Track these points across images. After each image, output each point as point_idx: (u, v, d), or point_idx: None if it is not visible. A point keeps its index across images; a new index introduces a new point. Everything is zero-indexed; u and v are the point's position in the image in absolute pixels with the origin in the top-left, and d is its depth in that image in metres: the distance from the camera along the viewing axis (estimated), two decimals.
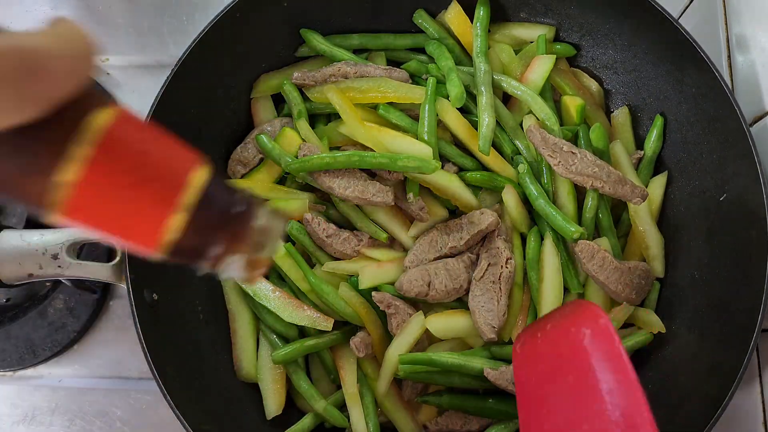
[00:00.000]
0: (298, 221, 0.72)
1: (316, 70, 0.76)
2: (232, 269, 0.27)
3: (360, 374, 0.71)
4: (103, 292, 0.84)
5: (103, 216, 0.24)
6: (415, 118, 0.74)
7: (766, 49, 0.66)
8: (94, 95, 0.25)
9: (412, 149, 0.70)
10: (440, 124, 0.74)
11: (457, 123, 0.73)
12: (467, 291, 0.70)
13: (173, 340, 0.67)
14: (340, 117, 0.74)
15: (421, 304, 0.71)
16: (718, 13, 0.75)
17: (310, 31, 0.77)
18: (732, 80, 0.73)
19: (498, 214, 0.71)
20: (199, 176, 0.25)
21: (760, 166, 0.61)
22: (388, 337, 0.70)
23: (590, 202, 0.71)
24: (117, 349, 0.82)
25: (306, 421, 0.71)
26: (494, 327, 0.66)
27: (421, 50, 0.80)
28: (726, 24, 0.74)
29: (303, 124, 0.75)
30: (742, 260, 0.64)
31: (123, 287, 0.63)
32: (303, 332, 0.73)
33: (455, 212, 0.74)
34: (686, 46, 0.66)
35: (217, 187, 0.26)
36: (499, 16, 0.79)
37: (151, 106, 0.66)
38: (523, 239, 0.73)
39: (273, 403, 0.71)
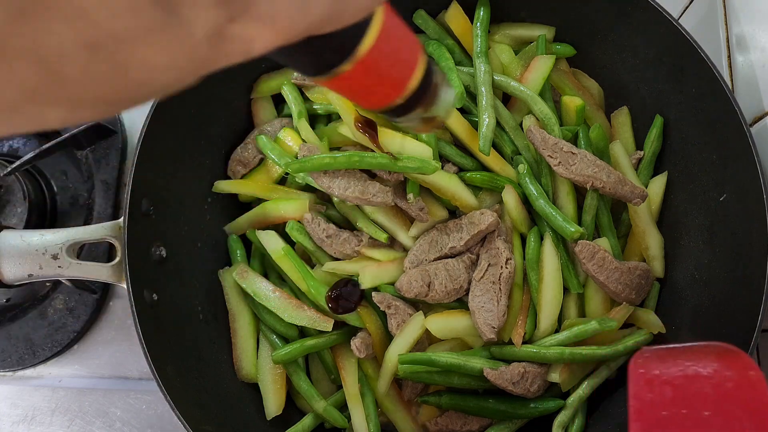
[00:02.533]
0: (298, 221, 0.72)
1: None
2: (415, 121, 0.35)
3: (360, 374, 0.71)
4: (103, 292, 0.84)
5: (357, 90, 0.32)
6: None
7: (766, 49, 0.66)
8: None
9: (412, 150, 0.70)
10: None
11: (457, 123, 0.73)
12: (467, 291, 0.70)
13: (173, 340, 0.67)
14: (340, 117, 0.74)
15: (421, 304, 0.71)
16: (718, 14, 0.75)
17: None
18: (732, 80, 0.73)
19: (498, 215, 0.71)
20: (422, 59, 0.33)
21: (760, 166, 0.61)
22: (388, 338, 0.70)
23: (590, 202, 0.71)
24: (117, 349, 0.83)
25: (306, 421, 0.71)
26: (494, 327, 0.66)
27: None
28: (726, 24, 0.74)
29: (303, 125, 0.75)
30: (742, 260, 0.64)
31: (123, 287, 0.63)
32: (303, 332, 0.73)
33: (455, 212, 0.74)
34: (686, 47, 0.66)
35: (430, 65, 0.34)
36: (499, 17, 0.79)
37: (152, 106, 0.66)
38: (523, 239, 0.73)
39: (273, 404, 0.71)
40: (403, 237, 0.72)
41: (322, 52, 0.25)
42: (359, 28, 0.28)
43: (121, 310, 0.84)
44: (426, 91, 0.33)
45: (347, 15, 0.24)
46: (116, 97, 0.22)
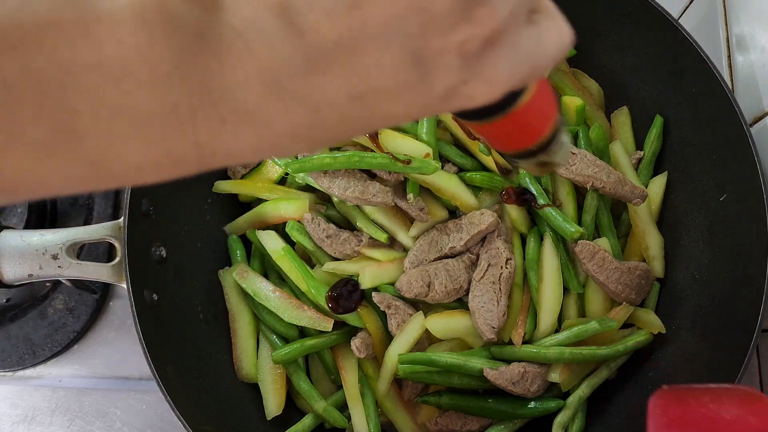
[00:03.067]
0: (298, 221, 0.72)
1: None
2: (534, 164, 0.38)
3: (360, 374, 0.71)
4: (103, 292, 0.84)
5: (499, 136, 0.35)
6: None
7: (766, 49, 0.66)
8: None
9: (412, 150, 0.70)
10: (440, 125, 0.74)
11: (456, 122, 0.73)
12: (467, 291, 0.70)
13: (173, 340, 0.67)
14: None
15: (420, 304, 0.71)
16: (718, 14, 0.74)
17: None
18: (732, 80, 0.73)
19: (498, 215, 0.71)
20: (556, 118, 0.36)
21: (760, 167, 0.61)
22: (388, 338, 0.70)
23: (590, 202, 0.71)
24: (117, 349, 0.83)
25: (306, 421, 0.71)
26: (494, 327, 0.66)
27: None
28: (726, 24, 0.74)
29: None
30: (742, 260, 0.64)
31: (123, 287, 0.63)
32: (303, 332, 0.73)
33: (455, 212, 0.74)
34: (686, 47, 0.66)
35: (560, 117, 0.37)
36: None
37: None
38: (523, 240, 0.73)
39: (273, 404, 0.71)
40: (403, 237, 0.72)
41: (492, 104, 0.28)
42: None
43: (121, 310, 0.84)
44: (553, 141, 0.37)
45: (536, 76, 0.28)
46: (345, 138, 0.26)
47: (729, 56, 0.73)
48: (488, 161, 0.73)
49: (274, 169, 0.76)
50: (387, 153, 0.68)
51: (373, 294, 0.69)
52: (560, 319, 0.71)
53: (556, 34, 0.28)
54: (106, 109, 0.22)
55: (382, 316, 0.71)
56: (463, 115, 0.31)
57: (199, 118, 0.23)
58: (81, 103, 0.21)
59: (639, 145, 0.78)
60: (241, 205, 0.79)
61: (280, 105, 0.23)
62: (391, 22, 0.22)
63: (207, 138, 0.23)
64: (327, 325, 0.69)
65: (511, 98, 0.31)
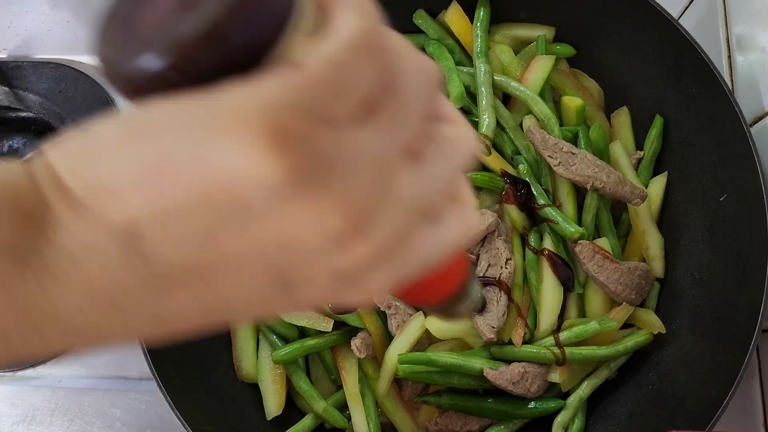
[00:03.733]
0: None
1: None
2: (442, 314, 0.39)
3: (360, 374, 0.71)
4: None
5: (405, 295, 0.35)
6: None
7: (767, 49, 0.66)
8: None
9: None
10: None
11: None
12: None
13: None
14: None
15: None
16: (718, 14, 0.74)
17: None
18: (732, 80, 0.73)
19: (498, 215, 0.71)
20: (463, 278, 0.35)
21: (760, 167, 0.61)
22: (388, 338, 0.70)
23: (590, 202, 0.71)
24: (117, 349, 0.82)
25: (306, 421, 0.71)
26: (494, 327, 0.66)
27: (422, 50, 0.80)
28: (726, 24, 0.74)
29: None
30: (743, 261, 0.64)
31: None
32: (303, 332, 0.73)
33: None
34: (686, 47, 0.66)
35: (470, 274, 0.37)
36: (499, 17, 0.79)
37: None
38: (523, 240, 0.73)
39: (273, 404, 0.71)
40: None
41: None
42: None
43: None
44: (459, 299, 0.36)
45: (421, 273, 0.26)
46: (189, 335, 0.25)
47: (729, 56, 0.73)
48: (488, 161, 0.73)
49: None
50: None
51: None
52: (560, 319, 0.71)
53: (459, 229, 0.25)
54: None
55: (382, 317, 0.71)
56: None
57: (11, 333, 0.21)
58: None
59: (639, 145, 0.78)
60: None
61: (116, 320, 0.22)
62: (252, 254, 0.20)
63: (23, 346, 0.22)
64: (327, 325, 0.69)
65: None
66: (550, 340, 0.68)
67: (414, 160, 0.22)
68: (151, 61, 0.19)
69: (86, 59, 0.91)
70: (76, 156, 0.20)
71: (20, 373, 0.83)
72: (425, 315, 0.68)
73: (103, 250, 0.20)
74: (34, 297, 0.20)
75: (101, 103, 0.88)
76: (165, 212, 0.19)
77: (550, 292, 0.69)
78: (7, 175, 0.21)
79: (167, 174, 0.19)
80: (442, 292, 0.35)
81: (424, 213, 0.23)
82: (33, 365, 0.82)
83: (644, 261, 0.74)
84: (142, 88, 0.20)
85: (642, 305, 0.73)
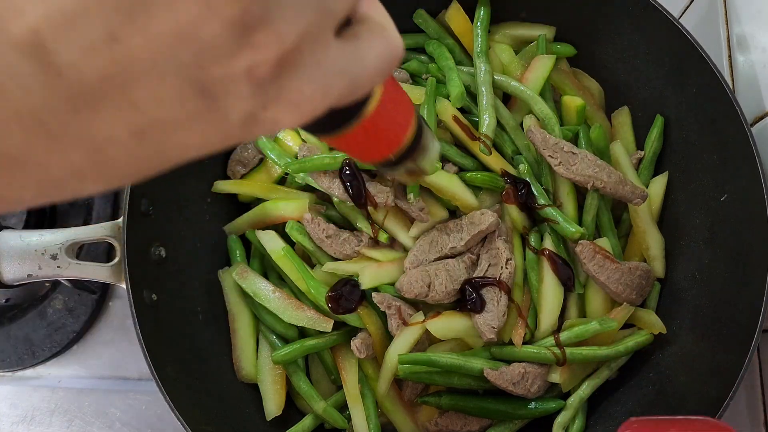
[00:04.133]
0: (298, 221, 0.72)
1: None
2: (403, 173, 0.38)
3: (360, 375, 0.71)
4: (102, 292, 0.84)
5: (356, 148, 0.35)
6: None
7: (767, 49, 0.66)
8: None
9: None
10: (440, 125, 0.74)
11: (457, 123, 0.73)
12: None
13: (173, 340, 0.67)
14: None
15: (421, 304, 0.70)
16: (719, 13, 0.74)
17: None
18: (733, 80, 0.73)
19: (498, 215, 0.71)
20: (415, 119, 0.35)
21: (760, 167, 0.61)
22: (388, 338, 0.70)
23: (590, 202, 0.71)
24: (116, 349, 0.82)
25: (306, 422, 0.70)
26: (494, 327, 0.66)
27: (422, 50, 0.80)
28: (727, 24, 0.74)
29: None
30: (743, 261, 0.64)
31: (123, 287, 0.63)
32: (303, 333, 0.73)
33: (455, 212, 0.74)
34: (687, 46, 0.66)
35: (421, 123, 0.37)
36: (499, 17, 0.79)
37: None
38: (524, 239, 0.73)
39: (273, 404, 0.71)
40: (404, 237, 0.71)
41: (328, 119, 0.28)
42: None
43: (121, 310, 0.84)
44: (416, 148, 0.36)
45: (358, 92, 0.26)
46: (148, 172, 0.24)
47: (730, 56, 0.73)
48: (489, 161, 0.73)
49: (274, 169, 0.76)
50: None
51: (374, 294, 0.69)
52: (561, 319, 0.71)
53: (380, 46, 0.26)
54: None
55: (383, 317, 0.70)
56: (307, 129, 0.31)
57: None
58: None
59: (639, 145, 0.78)
60: (240, 205, 0.79)
61: (50, 146, 0.21)
62: (159, 53, 0.20)
63: None
64: (327, 325, 0.69)
65: (353, 111, 0.30)
66: (551, 340, 0.68)
67: None
68: None
69: None
70: None
71: (20, 373, 0.83)
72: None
73: (18, 68, 0.20)
74: None
75: None
76: (62, 15, 0.19)
77: (550, 293, 0.69)
78: None
79: None
80: (395, 138, 0.34)
81: (331, 13, 0.23)
82: (33, 364, 0.82)
83: (645, 261, 0.74)
84: None
85: (642, 305, 0.73)
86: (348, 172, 0.69)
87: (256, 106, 0.23)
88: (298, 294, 0.72)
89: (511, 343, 0.69)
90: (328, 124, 0.31)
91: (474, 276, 0.69)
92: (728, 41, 0.73)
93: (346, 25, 0.25)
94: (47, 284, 0.84)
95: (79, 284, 0.81)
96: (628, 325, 0.71)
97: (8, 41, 0.20)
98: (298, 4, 0.22)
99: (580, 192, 0.73)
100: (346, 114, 0.30)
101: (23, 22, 0.19)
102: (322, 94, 0.24)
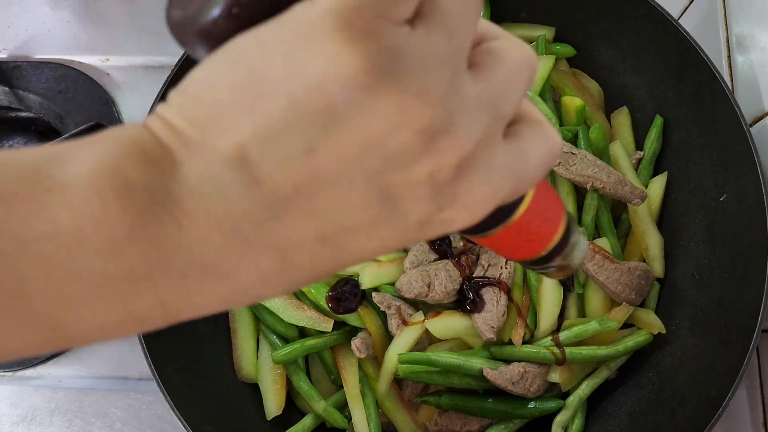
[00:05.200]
0: None
1: None
2: (552, 270, 0.36)
3: (361, 374, 0.71)
4: None
5: (506, 246, 0.34)
6: None
7: (767, 49, 0.66)
8: None
9: None
10: None
11: None
12: None
13: (173, 340, 0.67)
14: None
15: (421, 304, 0.71)
16: (718, 14, 0.74)
17: None
18: (732, 80, 0.73)
19: None
20: (564, 216, 0.34)
21: (760, 167, 0.61)
22: (388, 338, 0.70)
23: (590, 202, 0.71)
24: (117, 349, 0.82)
25: (306, 421, 0.71)
26: (494, 327, 0.66)
27: None
28: (726, 24, 0.74)
29: None
30: (742, 261, 0.64)
31: None
32: (303, 332, 0.73)
33: None
34: (686, 46, 0.66)
35: (570, 220, 0.35)
36: (498, 17, 0.79)
37: (152, 106, 0.66)
38: None
39: (273, 404, 0.71)
40: None
41: (487, 219, 0.28)
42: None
43: None
44: (566, 245, 0.35)
45: (523, 190, 0.27)
46: (325, 277, 0.25)
47: (729, 56, 0.73)
48: None
49: None
50: None
51: (374, 294, 0.69)
52: (560, 319, 0.71)
53: (542, 143, 0.26)
54: (58, 275, 0.21)
55: (383, 317, 0.71)
56: (461, 232, 0.31)
57: (158, 278, 0.22)
58: (31, 270, 0.21)
59: (639, 145, 0.78)
60: None
61: (244, 254, 0.22)
62: (348, 162, 0.21)
63: (169, 296, 0.23)
64: (327, 325, 0.69)
65: (507, 211, 0.30)
66: (550, 340, 0.68)
67: (474, 68, 0.23)
68: (218, 5, 0.22)
69: (86, 59, 0.91)
70: (180, 99, 0.22)
71: (20, 372, 0.83)
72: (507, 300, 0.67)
73: (222, 180, 0.21)
74: (170, 231, 0.21)
75: (101, 103, 0.88)
76: (266, 130, 0.21)
77: (549, 292, 0.69)
78: (130, 130, 0.22)
79: (262, 93, 0.21)
80: (546, 236, 0.34)
81: (502, 117, 0.24)
82: (33, 364, 0.82)
83: (644, 261, 0.74)
84: (217, 35, 0.22)
85: (642, 305, 0.73)
86: None
87: (433, 208, 0.23)
88: (298, 294, 0.72)
89: (510, 342, 0.69)
90: (485, 224, 0.30)
91: (474, 276, 0.69)
92: (727, 41, 0.73)
93: (509, 124, 0.26)
94: None
95: None
96: (627, 325, 0.71)
97: (216, 156, 0.21)
98: (477, 109, 0.22)
99: (580, 192, 0.73)
100: (502, 213, 0.30)
101: (231, 138, 0.21)
102: (493, 194, 0.24)
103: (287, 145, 0.21)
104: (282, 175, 0.21)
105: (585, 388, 0.69)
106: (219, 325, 0.74)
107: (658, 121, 0.74)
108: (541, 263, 0.36)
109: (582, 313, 0.72)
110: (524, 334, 0.69)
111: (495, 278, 0.68)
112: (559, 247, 0.35)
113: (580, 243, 0.37)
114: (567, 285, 0.70)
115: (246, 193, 0.21)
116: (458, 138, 0.22)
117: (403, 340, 0.68)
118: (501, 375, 0.66)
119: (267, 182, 0.21)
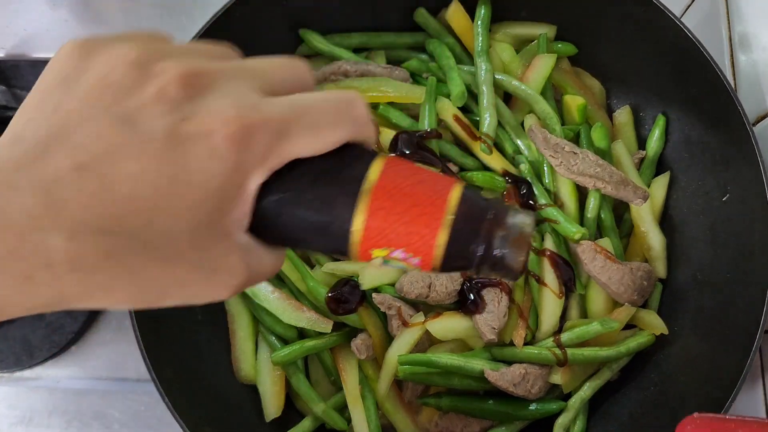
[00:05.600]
0: None
1: (316, 69, 0.75)
2: (504, 261, 0.31)
3: (361, 376, 0.71)
4: None
5: (385, 245, 0.30)
6: (415, 117, 0.74)
7: None
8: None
9: None
10: (441, 124, 0.74)
11: (458, 123, 0.73)
12: None
13: (171, 341, 0.67)
14: None
15: (421, 305, 0.70)
16: (721, 12, 0.74)
17: (309, 31, 0.77)
18: (735, 80, 0.72)
19: None
20: (455, 194, 0.30)
21: (762, 167, 0.61)
22: (388, 339, 0.70)
23: (592, 202, 0.71)
24: (115, 350, 0.82)
25: (305, 423, 0.70)
26: (494, 328, 0.66)
27: (422, 49, 0.79)
28: (729, 23, 0.73)
29: None
30: (745, 261, 0.63)
31: None
32: (302, 333, 0.73)
33: None
34: (688, 45, 0.66)
35: (470, 200, 0.30)
36: (500, 16, 0.78)
37: None
38: None
39: (272, 405, 0.70)
40: None
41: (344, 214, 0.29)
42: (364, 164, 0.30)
43: (119, 311, 0.83)
44: (475, 225, 0.30)
45: (315, 130, 0.30)
46: (112, 218, 0.26)
47: (732, 55, 0.73)
48: (490, 161, 0.73)
49: None
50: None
51: (374, 295, 0.69)
52: (562, 320, 0.70)
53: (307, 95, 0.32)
54: None
55: (383, 317, 0.70)
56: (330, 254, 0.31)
57: None
58: None
59: (641, 144, 0.77)
60: None
61: (9, 195, 0.25)
62: (87, 104, 0.26)
63: None
64: (326, 326, 0.69)
65: (342, 227, 0.29)
66: (552, 341, 0.68)
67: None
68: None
69: None
70: None
71: (18, 374, 0.82)
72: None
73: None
74: None
75: None
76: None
77: (551, 293, 0.69)
78: None
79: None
80: (428, 219, 0.29)
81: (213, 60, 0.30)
82: (30, 366, 0.81)
83: (646, 261, 0.73)
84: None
85: (644, 306, 0.72)
86: None
87: (175, 119, 0.27)
88: (297, 294, 0.72)
89: (511, 343, 0.68)
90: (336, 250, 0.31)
91: (475, 276, 0.69)
92: (730, 40, 0.73)
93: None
94: None
95: None
96: (629, 326, 0.71)
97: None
98: (183, 53, 0.29)
99: (582, 192, 0.73)
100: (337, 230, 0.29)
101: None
102: (235, 106, 0.27)
103: (41, 107, 0.27)
104: (33, 128, 0.26)
105: (587, 390, 0.68)
106: (218, 326, 0.73)
107: (661, 120, 0.74)
108: (470, 259, 0.30)
109: (584, 314, 0.72)
110: (525, 335, 0.68)
111: (496, 279, 0.68)
112: (455, 254, 0.30)
113: (512, 217, 0.30)
114: (569, 286, 0.70)
115: (6, 145, 0.26)
116: (167, 63, 0.27)
117: (403, 341, 0.68)
118: (502, 376, 0.66)
119: (29, 138, 0.26)
